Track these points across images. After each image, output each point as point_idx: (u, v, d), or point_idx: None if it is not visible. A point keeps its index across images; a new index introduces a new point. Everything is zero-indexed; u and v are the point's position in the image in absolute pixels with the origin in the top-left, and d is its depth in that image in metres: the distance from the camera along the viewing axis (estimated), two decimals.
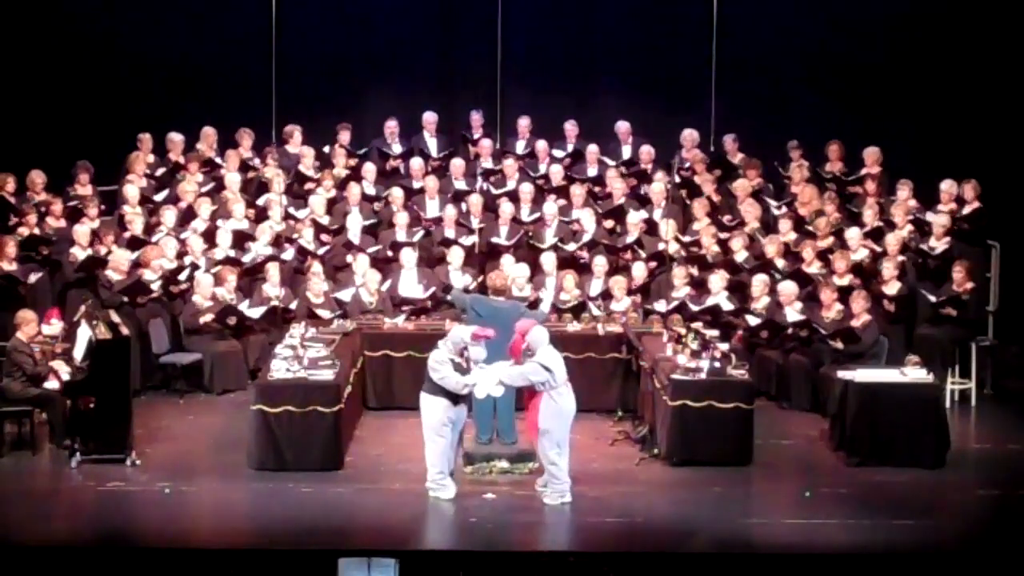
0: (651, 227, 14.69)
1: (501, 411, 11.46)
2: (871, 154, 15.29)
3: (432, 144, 16.04)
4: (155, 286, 13.68)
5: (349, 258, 14.37)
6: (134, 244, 14.07)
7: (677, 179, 15.59)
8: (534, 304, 12.96)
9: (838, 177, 15.38)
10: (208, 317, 13.59)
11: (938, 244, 13.99)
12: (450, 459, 10.48)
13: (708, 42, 15.50)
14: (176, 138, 15.68)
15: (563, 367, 10.36)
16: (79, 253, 13.77)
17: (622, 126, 16.09)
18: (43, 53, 16.13)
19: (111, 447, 11.18)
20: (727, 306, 13.47)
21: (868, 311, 12.94)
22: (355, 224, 14.64)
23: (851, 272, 13.70)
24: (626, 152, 16.01)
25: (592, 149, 15.80)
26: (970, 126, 15.74)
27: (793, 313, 13.31)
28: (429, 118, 16.11)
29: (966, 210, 14.30)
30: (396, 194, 15.07)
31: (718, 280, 13.66)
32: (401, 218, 14.77)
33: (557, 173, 15.47)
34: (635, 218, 14.64)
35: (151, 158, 15.55)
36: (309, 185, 15.40)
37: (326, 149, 15.87)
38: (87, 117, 15.92)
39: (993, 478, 11.32)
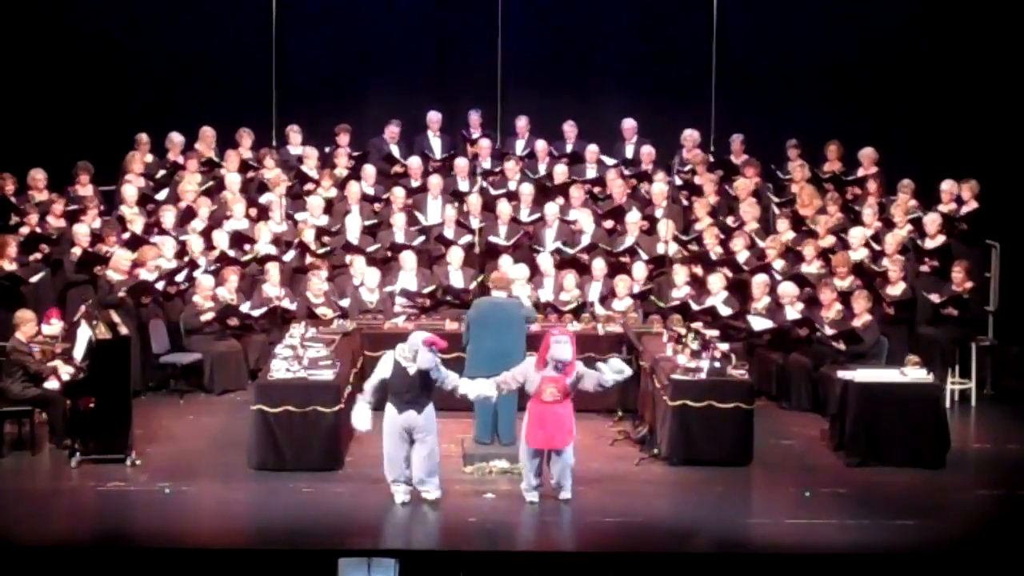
0: (651, 227, 14.69)
1: (502, 412, 11.45)
2: (867, 155, 15.30)
3: (436, 144, 16.04)
4: (157, 286, 13.68)
5: (348, 258, 14.37)
6: (133, 244, 14.07)
7: (677, 180, 15.61)
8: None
9: (836, 177, 15.39)
10: (209, 316, 13.59)
11: (932, 243, 14.00)
12: (399, 468, 10.30)
13: (708, 42, 15.49)
14: (176, 139, 15.68)
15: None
16: (80, 253, 13.77)
17: (628, 124, 16.09)
18: (43, 53, 16.13)
19: (111, 447, 11.17)
20: (725, 310, 13.46)
21: (869, 311, 12.95)
22: (354, 224, 14.64)
23: (852, 272, 13.71)
24: (629, 151, 16.01)
25: (591, 149, 15.79)
26: (970, 126, 15.74)
27: (793, 313, 13.32)
28: (433, 117, 16.11)
29: (964, 210, 14.30)
30: (397, 194, 15.07)
31: (718, 280, 13.67)
32: (400, 219, 14.77)
33: (562, 173, 15.47)
34: (634, 218, 14.64)
35: (149, 158, 15.54)
36: (309, 186, 15.41)
37: (327, 149, 15.87)
38: (87, 117, 15.93)
39: (993, 478, 11.33)
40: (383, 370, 10.24)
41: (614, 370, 10.42)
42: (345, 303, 13.81)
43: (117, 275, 13.54)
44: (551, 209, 14.82)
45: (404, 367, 10.15)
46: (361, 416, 10.24)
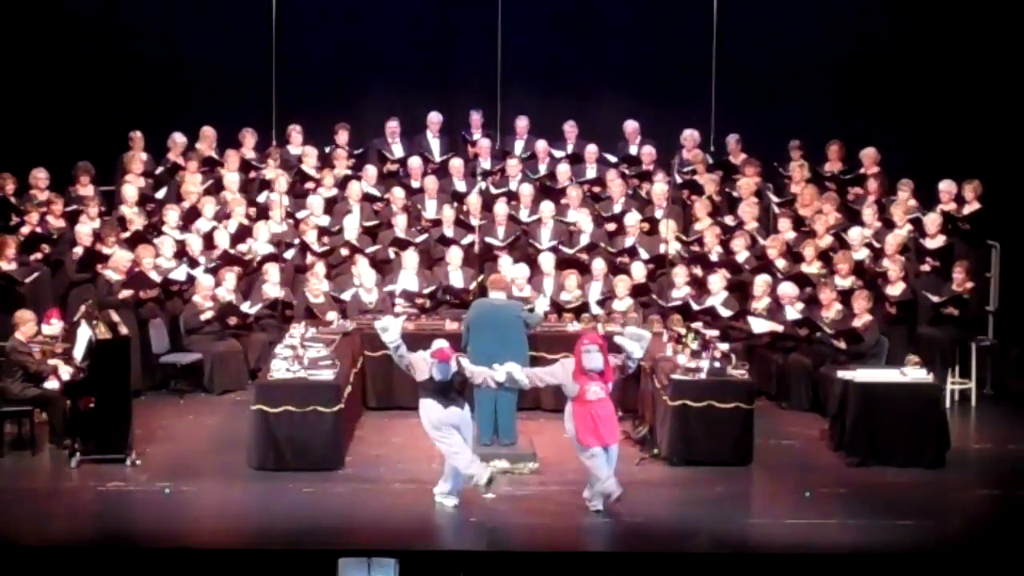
0: (652, 227, 14.68)
1: (501, 411, 11.46)
2: (869, 155, 15.30)
3: (435, 145, 16.03)
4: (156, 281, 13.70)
5: (346, 252, 14.37)
6: (132, 243, 14.07)
7: (677, 179, 15.61)
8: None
9: (837, 177, 15.39)
10: (208, 315, 13.59)
11: (933, 243, 14.00)
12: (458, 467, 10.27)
13: (708, 42, 15.50)
14: (179, 139, 15.68)
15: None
16: (81, 252, 13.76)
17: (630, 125, 16.07)
18: (43, 53, 16.14)
19: (111, 447, 11.18)
20: (725, 311, 13.46)
21: (869, 311, 12.95)
22: (355, 224, 14.65)
23: (852, 272, 13.71)
24: (631, 152, 15.99)
25: (591, 149, 15.78)
26: (970, 126, 15.74)
27: (793, 313, 13.32)
28: (434, 118, 16.08)
29: (966, 210, 14.30)
30: (397, 194, 15.07)
31: (718, 280, 13.67)
32: (401, 219, 14.77)
33: (564, 173, 15.46)
34: (633, 220, 14.64)
35: (144, 156, 15.53)
36: (310, 185, 15.41)
37: (327, 149, 15.88)
38: (87, 117, 15.93)
39: (993, 478, 11.33)
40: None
41: (634, 339, 10.27)
42: (350, 293, 13.80)
43: (117, 275, 13.54)
44: (546, 209, 14.81)
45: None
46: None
